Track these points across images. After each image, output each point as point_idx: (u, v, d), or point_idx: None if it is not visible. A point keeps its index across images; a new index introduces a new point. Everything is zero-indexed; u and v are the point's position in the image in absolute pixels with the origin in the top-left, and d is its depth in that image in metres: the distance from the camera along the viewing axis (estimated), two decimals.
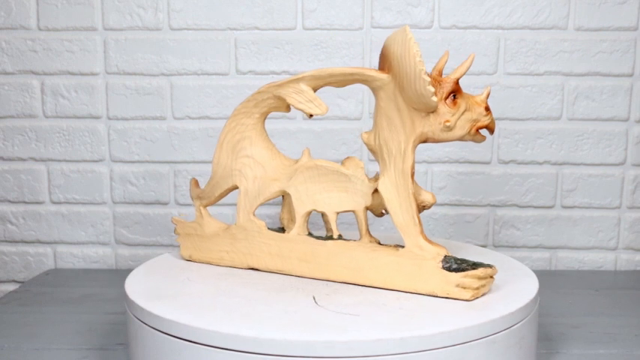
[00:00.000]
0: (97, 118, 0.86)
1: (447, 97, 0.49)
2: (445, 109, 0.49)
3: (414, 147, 0.51)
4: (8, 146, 0.88)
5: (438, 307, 0.48)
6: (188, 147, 0.87)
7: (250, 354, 0.43)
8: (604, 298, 0.75)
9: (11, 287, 0.89)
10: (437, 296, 0.50)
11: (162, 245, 0.88)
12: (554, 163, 0.85)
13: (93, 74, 0.86)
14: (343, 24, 0.84)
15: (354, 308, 0.48)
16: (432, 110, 0.49)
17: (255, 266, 0.58)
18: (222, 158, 0.59)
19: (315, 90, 0.54)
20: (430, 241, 0.51)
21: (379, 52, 0.52)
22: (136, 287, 0.53)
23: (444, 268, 0.50)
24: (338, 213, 0.55)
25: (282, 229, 0.59)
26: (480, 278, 0.49)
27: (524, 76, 0.84)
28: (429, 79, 0.47)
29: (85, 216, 0.88)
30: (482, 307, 0.48)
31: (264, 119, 0.58)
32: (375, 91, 0.52)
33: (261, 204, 0.58)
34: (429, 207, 0.53)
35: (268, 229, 0.58)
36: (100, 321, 0.67)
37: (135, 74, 0.85)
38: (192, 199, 0.62)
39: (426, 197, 0.53)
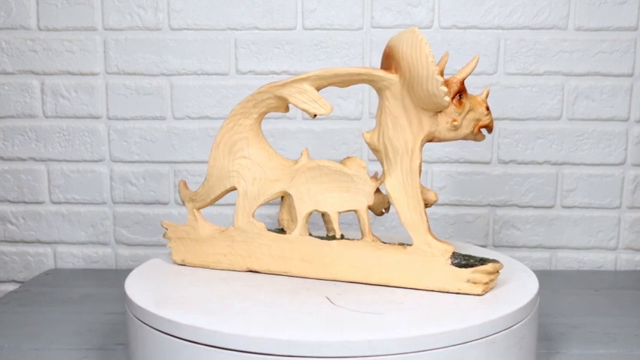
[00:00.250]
0: (97, 118, 0.86)
1: (453, 97, 0.50)
2: (452, 109, 0.50)
3: (422, 146, 0.51)
4: (8, 146, 0.88)
5: (452, 303, 0.49)
6: (188, 147, 0.87)
7: (283, 357, 0.42)
8: (604, 298, 0.75)
9: (11, 287, 0.89)
10: (448, 292, 0.51)
11: (162, 245, 0.88)
12: (554, 163, 0.85)
13: (93, 74, 0.86)
14: (343, 24, 0.84)
15: (373, 307, 0.48)
16: (442, 110, 0.50)
17: (255, 268, 0.58)
18: (219, 159, 0.58)
19: (317, 90, 0.54)
20: (437, 239, 0.52)
21: (379, 52, 0.52)
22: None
23: (453, 264, 0.51)
24: (340, 213, 0.55)
25: (281, 230, 0.59)
26: (489, 273, 0.50)
27: (524, 76, 0.84)
28: (442, 79, 0.48)
29: (85, 216, 0.88)
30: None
31: (261, 120, 0.58)
32: (380, 90, 0.52)
33: (261, 205, 0.57)
34: (431, 205, 0.54)
35: (268, 230, 0.57)
36: (100, 321, 0.67)
37: (135, 74, 0.85)
38: (182, 201, 0.61)
39: (429, 195, 0.53)
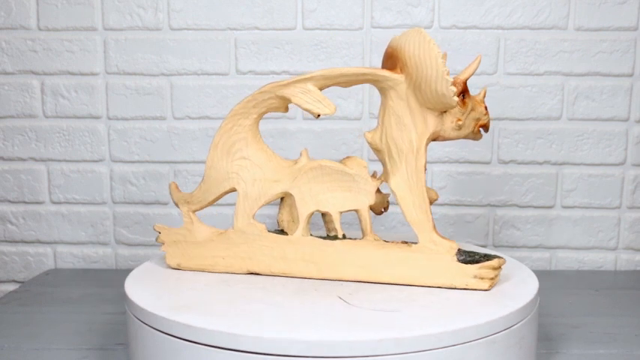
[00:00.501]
0: (97, 118, 0.86)
1: (458, 97, 0.51)
2: (457, 109, 0.51)
3: (427, 145, 0.52)
4: (8, 146, 0.88)
5: (462, 300, 0.49)
6: (188, 147, 0.86)
7: (308, 358, 0.42)
8: (604, 298, 0.75)
9: (11, 287, 0.89)
10: (456, 288, 0.52)
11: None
12: (554, 163, 0.85)
13: (93, 74, 0.86)
14: (343, 24, 0.84)
15: (389, 304, 0.48)
16: (448, 110, 0.51)
17: (256, 270, 0.57)
18: (217, 160, 0.57)
19: (320, 90, 0.54)
20: (442, 236, 0.52)
21: (380, 52, 0.53)
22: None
23: (459, 260, 0.52)
24: (342, 212, 0.55)
25: (281, 231, 0.59)
26: (494, 268, 0.51)
27: (524, 76, 0.84)
28: (451, 79, 0.49)
29: (85, 216, 0.88)
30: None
31: (259, 120, 0.57)
32: (384, 90, 0.52)
33: (262, 206, 0.57)
34: (432, 203, 0.55)
35: (268, 231, 0.57)
36: (99, 321, 0.67)
37: (135, 74, 0.85)
38: (176, 204, 0.59)
39: (430, 194, 0.55)
